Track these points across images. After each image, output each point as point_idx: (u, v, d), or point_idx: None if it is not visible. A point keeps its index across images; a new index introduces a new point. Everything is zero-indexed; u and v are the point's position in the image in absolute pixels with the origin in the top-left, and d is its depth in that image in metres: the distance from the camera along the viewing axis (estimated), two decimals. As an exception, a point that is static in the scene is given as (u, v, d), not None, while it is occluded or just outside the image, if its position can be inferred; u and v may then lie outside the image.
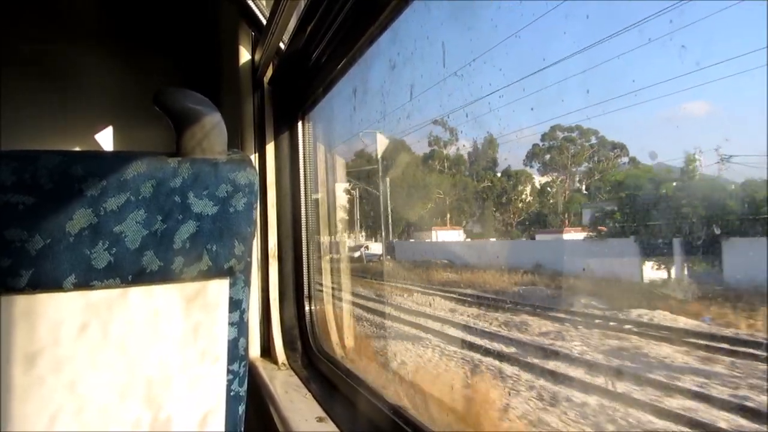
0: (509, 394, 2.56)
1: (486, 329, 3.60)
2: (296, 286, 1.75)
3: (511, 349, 3.10)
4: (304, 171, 1.74)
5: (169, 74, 2.33)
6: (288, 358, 1.70)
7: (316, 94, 1.60)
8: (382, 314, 4.53)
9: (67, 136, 2.51)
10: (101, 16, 2.32)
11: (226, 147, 0.77)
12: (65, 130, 2.47)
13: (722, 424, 1.66)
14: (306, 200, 1.74)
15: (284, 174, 1.75)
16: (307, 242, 1.74)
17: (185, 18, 2.27)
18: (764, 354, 1.79)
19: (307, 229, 1.74)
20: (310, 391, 1.45)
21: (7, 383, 0.66)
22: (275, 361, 1.70)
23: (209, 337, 0.77)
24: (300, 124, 1.74)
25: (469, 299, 4.24)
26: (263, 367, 1.66)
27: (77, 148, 2.47)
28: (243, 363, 0.82)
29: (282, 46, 1.58)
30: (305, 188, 1.74)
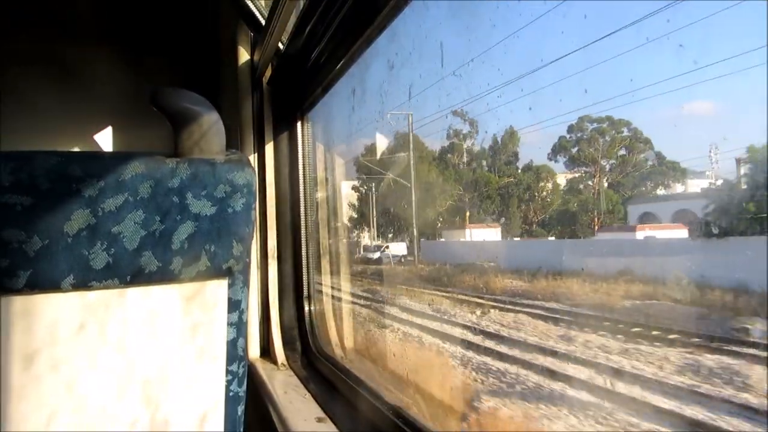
0: None
1: (665, 379, 2.28)
2: (296, 287, 1.75)
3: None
4: (304, 171, 1.74)
5: (169, 74, 2.34)
6: (287, 358, 1.70)
7: (315, 94, 1.60)
8: (466, 345, 3.60)
9: (67, 136, 2.51)
10: (101, 17, 2.32)
11: (225, 147, 0.77)
12: (65, 130, 2.48)
13: None
14: (305, 200, 1.74)
15: (283, 174, 1.75)
16: (307, 242, 1.74)
17: (184, 18, 2.27)
18: None
19: (306, 230, 1.74)
20: (309, 391, 1.45)
21: (4, 383, 0.66)
22: (275, 362, 1.70)
23: (207, 338, 0.77)
24: (299, 124, 1.74)
25: (573, 319, 3.20)
26: (262, 368, 1.66)
27: (77, 148, 2.48)
28: (242, 363, 0.82)
29: (281, 46, 1.58)
30: (305, 188, 1.74)
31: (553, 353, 3.01)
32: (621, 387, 2.38)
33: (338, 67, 1.38)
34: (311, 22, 1.34)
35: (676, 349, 2.37)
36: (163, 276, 0.73)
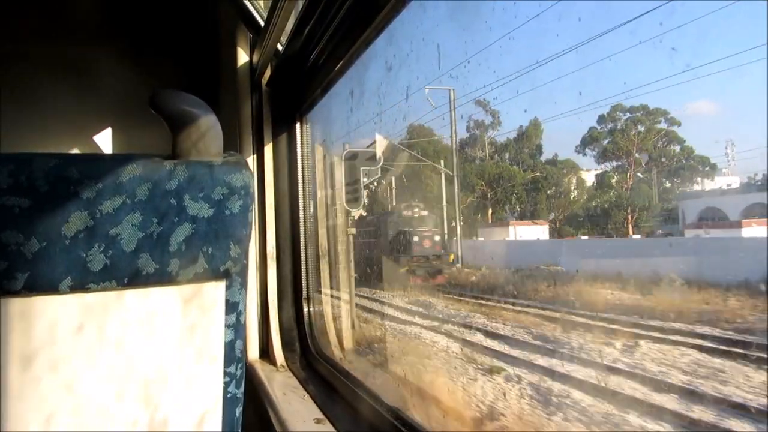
0: None
1: None
2: (295, 288, 1.75)
3: None
4: (303, 172, 1.74)
5: (168, 75, 2.34)
6: (286, 359, 1.70)
7: (314, 95, 1.60)
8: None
9: (66, 137, 2.51)
10: (100, 18, 2.32)
11: (222, 149, 0.77)
12: (64, 131, 2.48)
13: None
14: (304, 201, 1.75)
15: (282, 175, 1.76)
16: (306, 244, 1.74)
17: (183, 19, 2.27)
18: None
19: (305, 231, 1.74)
20: (308, 392, 1.45)
21: (3, 383, 0.66)
22: (273, 363, 1.70)
23: (205, 339, 0.77)
24: (298, 125, 1.74)
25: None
26: (261, 369, 1.66)
27: (76, 149, 2.48)
28: (240, 365, 0.82)
29: (280, 47, 1.58)
30: (303, 189, 1.74)
31: None
32: None
33: (337, 68, 1.38)
34: (310, 24, 1.34)
35: None
36: (161, 278, 0.73)
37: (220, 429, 0.79)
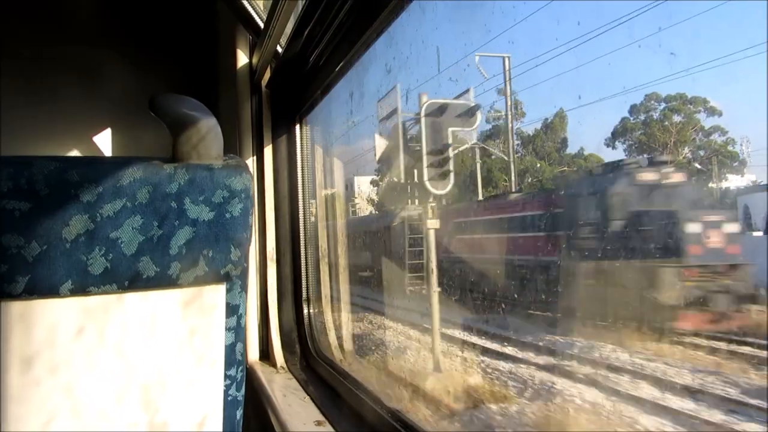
0: None
1: None
2: (295, 290, 1.75)
3: None
4: (302, 174, 1.74)
5: (167, 77, 2.34)
6: (286, 361, 1.70)
7: (314, 97, 1.60)
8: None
9: (66, 139, 2.51)
10: (100, 20, 2.32)
11: (222, 152, 0.78)
12: (64, 132, 2.48)
13: None
14: (304, 203, 1.75)
15: (282, 177, 1.76)
16: (306, 245, 1.74)
17: (183, 21, 2.27)
18: None
19: (305, 233, 1.74)
20: (308, 394, 1.45)
21: (3, 386, 0.66)
22: (274, 365, 1.70)
23: (206, 342, 0.77)
24: (298, 127, 1.75)
25: None
26: (262, 371, 1.66)
27: (75, 151, 2.48)
28: (240, 368, 0.82)
29: (279, 49, 1.58)
30: (303, 191, 1.74)
31: None
32: None
33: (337, 69, 1.39)
34: (309, 26, 1.35)
35: None
36: (161, 281, 0.73)
37: (220, 431, 0.79)
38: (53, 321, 0.68)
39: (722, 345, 2.64)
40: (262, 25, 1.67)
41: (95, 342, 0.70)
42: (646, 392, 2.52)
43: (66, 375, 0.69)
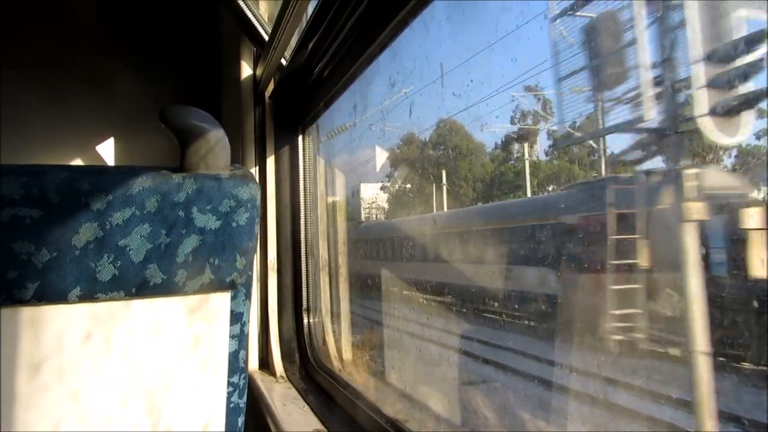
0: None
1: None
2: (295, 299, 1.76)
3: None
4: (305, 184, 1.76)
5: (172, 87, 2.36)
6: (286, 370, 1.71)
7: (317, 108, 1.62)
8: None
9: (68, 147, 2.52)
10: (106, 30, 2.35)
11: (229, 162, 0.79)
12: (66, 140, 2.49)
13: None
14: (306, 213, 1.76)
15: (284, 187, 1.77)
16: (307, 255, 1.75)
17: (188, 33, 2.30)
18: None
19: (306, 242, 1.75)
20: (308, 403, 1.45)
21: (11, 391, 0.67)
22: (273, 374, 1.70)
23: (210, 349, 0.78)
24: (300, 137, 1.77)
25: None
26: (261, 380, 1.66)
27: (78, 159, 2.49)
28: (243, 375, 0.83)
29: (283, 61, 1.60)
30: (305, 201, 1.76)
31: None
32: None
33: (341, 82, 1.41)
34: (314, 39, 1.37)
35: None
36: (168, 288, 0.74)
37: None
38: (61, 327, 0.70)
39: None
40: (266, 37, 1.69)
41: (102, 348, 0.71)
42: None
43: (73, 381, 0.70)
